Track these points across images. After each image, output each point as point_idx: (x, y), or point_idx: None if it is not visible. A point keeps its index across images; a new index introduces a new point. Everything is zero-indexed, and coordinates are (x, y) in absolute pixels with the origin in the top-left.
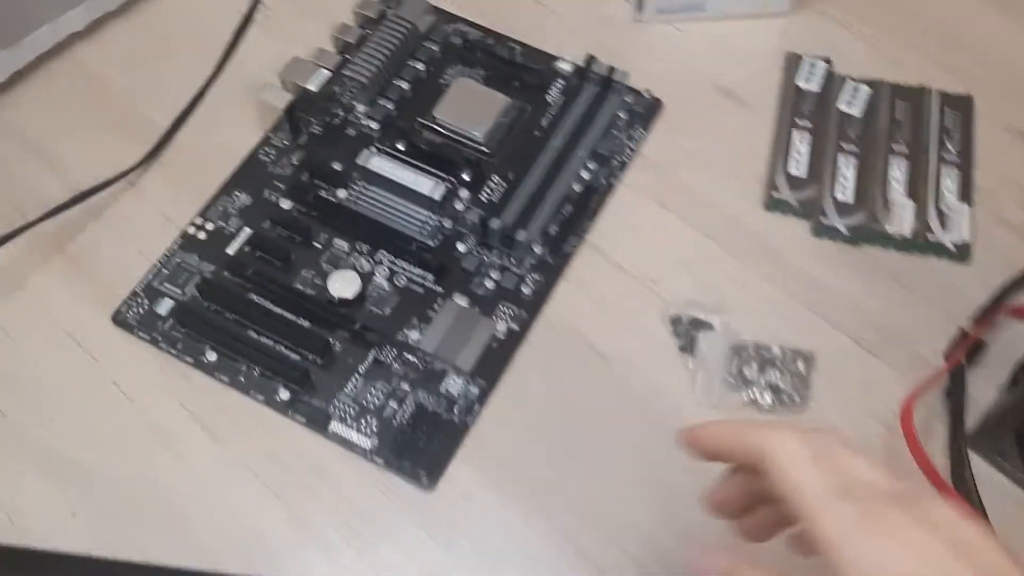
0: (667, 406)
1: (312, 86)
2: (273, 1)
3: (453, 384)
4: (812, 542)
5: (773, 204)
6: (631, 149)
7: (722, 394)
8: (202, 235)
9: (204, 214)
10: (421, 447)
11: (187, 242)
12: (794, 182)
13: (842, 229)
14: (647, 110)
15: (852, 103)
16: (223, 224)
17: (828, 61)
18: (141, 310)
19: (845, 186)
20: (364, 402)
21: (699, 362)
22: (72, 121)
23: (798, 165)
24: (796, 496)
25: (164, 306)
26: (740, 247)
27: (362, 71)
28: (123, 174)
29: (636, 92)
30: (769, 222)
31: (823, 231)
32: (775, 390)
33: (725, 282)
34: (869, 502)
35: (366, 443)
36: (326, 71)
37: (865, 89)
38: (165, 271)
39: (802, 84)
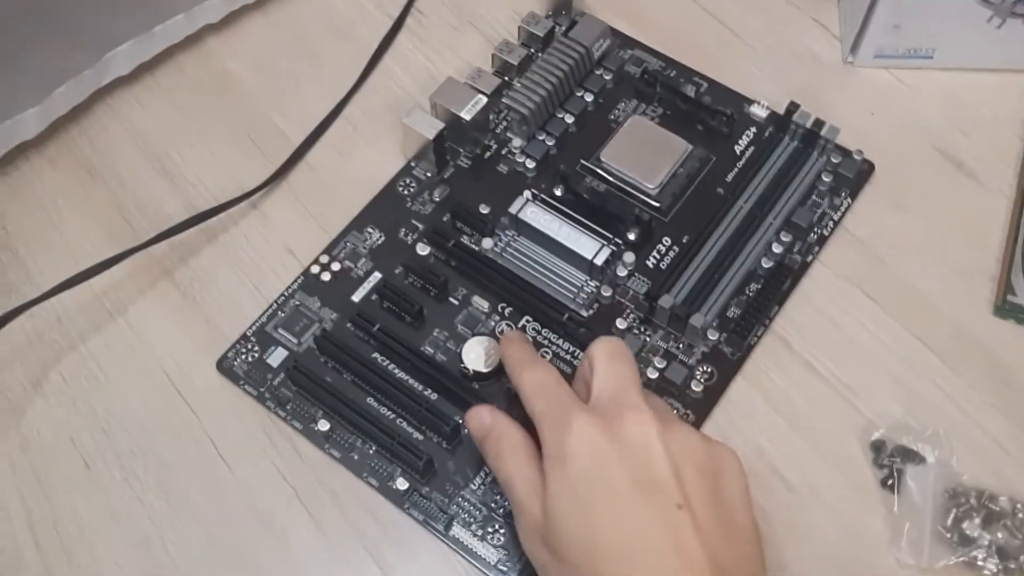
0: (859, 557)
1: (466, 114)
2: (428, 6)
3: None
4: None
5: (1007, 310)
6: (834, 221)
7: (933, 551)
8: (326, 275)
9: (331, 251)
10: None
11: (309, 282)
12: None
13: None
14: (856, 175)
15: None
16: (351, 265)
17: None
18: (250, 358)
19: None
20: (493, 504)
21: (905, 505)
22: (196, 125)
23: None
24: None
25: (276, 357)
26: (963, 360)
27: (524, 100)
28: (247, 195)
29: (844, 151)
30: (1001, 332)
31: None
32: (1003, 555)
33: (942, 403)
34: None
35: (492, 556)
36: (483, 96)
37: None
38: (281, 314)
39: None
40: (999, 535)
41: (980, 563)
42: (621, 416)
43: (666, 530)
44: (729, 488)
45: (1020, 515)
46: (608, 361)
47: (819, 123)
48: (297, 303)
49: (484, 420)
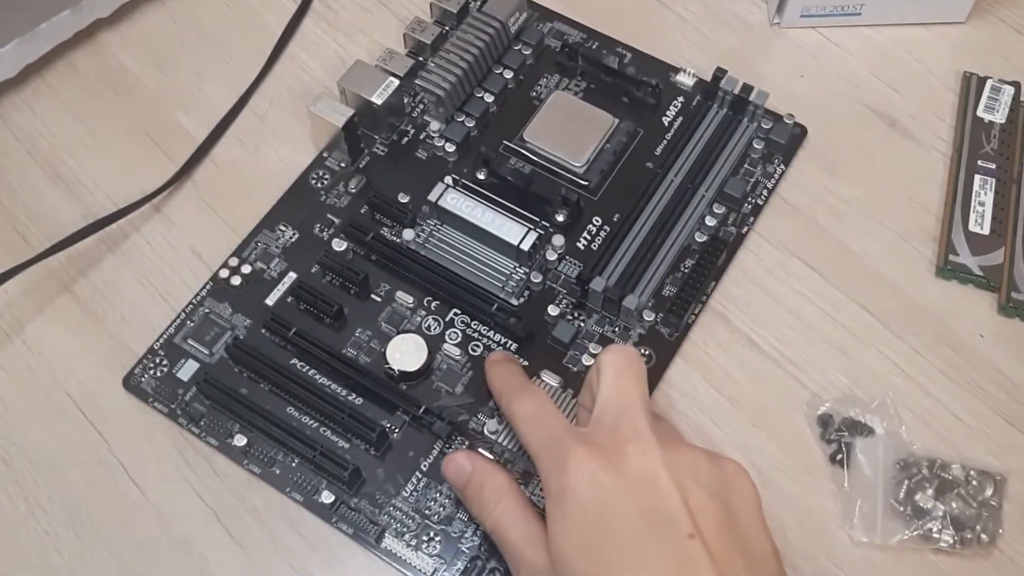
0: (811, 536)
1: (377, 99)
2: None
3: (540, 494)
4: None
5: (949, 271)
6: (768, 189)
7: (886, 526)
8: (237, 279)
9: (241, 253)
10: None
11: (218, 287)
12: (976, 242)
13: None
14: (788, 140)
15: None
16: (263, 266)
17: (1016, 85)
18: (159, 373)
19: None
20: (427, 512)
21: (856, 480)
22: (91, 127)
23: (980, 220)
24: (527, 444)
25: (187, 370)
26: (906, 325)
27: (439, 80)
28: (148, 197)
29: (775, 116)
30: (944, 293)
31: (1013, 309)
32: (958, 525)
33: (888, 371)
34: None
35: (428, 566)
36: (395, 79)
37: None
38: (190, 323)
39: (983, 114)
40: (953, 505)
41: (936, 535)
42: (623, 448)
43: (679, 562)
44: (742, 508)
45: (974, 483)
46: (615, 377)
47: (747, 88)
48: (207, 311)
49: (463, 467)
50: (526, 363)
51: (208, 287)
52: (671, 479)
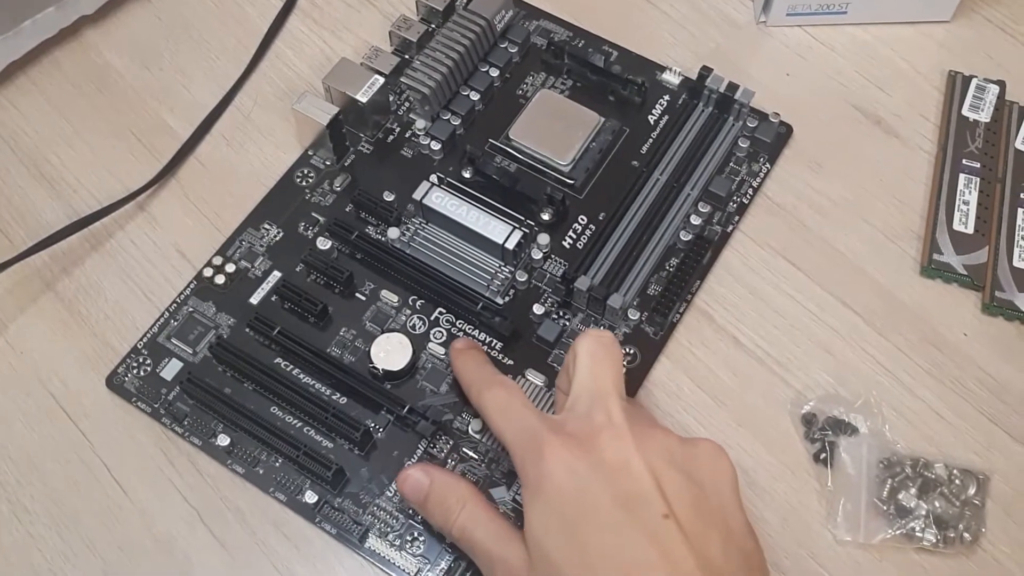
0: (795, 536)
1: (362, 97)
2: None
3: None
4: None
5: (933, 270)
6: (753, 188)
7: (870, 525)
8: (220, 278)
9: (225, 251)
10: None
11: (202, 286)
12: (960, 241)
13: (1022, 306)
14: (774, 138)
15: None
16: (247, 265)
17: (1001, 84)
18: (142, 373)
19: None
20: (411, 511)
21: (839, 479)
22: (75, 125)
23: (964, 219)
24: (501, 436)
25: (170, 369)
26: (890, 324)
27: (424, 78)
28: (132, 196)
29: (761, 115)
30: (928, 292)
31: (997, 308)
32: (940, 524)
33: (872, 370)
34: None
35: (412, 566)
36: (380, 77)
37: None
38: (174, 323)
39: (968, 113)
40: (936, 504)
41: (919, 534)
42: (596, 435)
43: (654, 543)
44: (717, 488)
45: (957, 481)
46: (590, 361)
47: (733, 87)
48: (190, 310)
49: (420, 481)
50: (511, 362)
51: (192, 286)
52: (643, 463)
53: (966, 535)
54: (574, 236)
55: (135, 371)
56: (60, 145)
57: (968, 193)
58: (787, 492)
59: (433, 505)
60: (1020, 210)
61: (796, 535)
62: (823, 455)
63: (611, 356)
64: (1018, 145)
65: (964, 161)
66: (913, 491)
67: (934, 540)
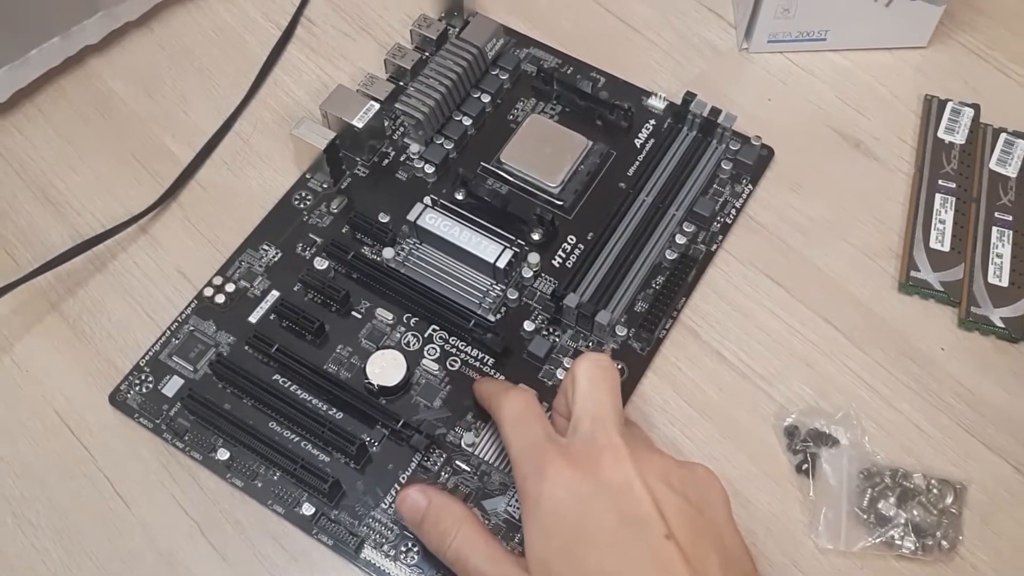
0: (778, 546)
1: (358, 122)
2: (317, 14)
3: (516, 505)
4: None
5: (911, 286)
6: (736, 208)
7: (850, 534)
8: (221, 298)
9: (224, 272)
10: None
11: (203, 306)
12: (936, 259)
13: (997, 321)
14: (756, 161)
15: (1005, 160)
16: (247, 284)
17: (975, 107)
18: (144, 390)
19: (1000, 266)
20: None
21: (821, 488)
22: (80, 151)
23: (941, 238)
24: (508, 446)
25: (172, 386)
26: (870, 339)
27: (418, 104)
28: (135, 219)
29: (743, 138)
30: (906, 308)
31: (973, 323)
32: (919, 532)
33: (852, 384)
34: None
35: None
36: (375, 103)
37: (1022, 144)
38: (175, 341)
39: (944, 135)
40: (915, 512)
41: (898, 542)
42: (598, 457)
43: (655, 563)
44: (714, 511)
45: (935, 491)
46: (589, 386)
47: (715, 111)
48: (191, 328)
49: (418, 502)
50: (502, 377)
51: (193, 305)
52: (644, 485)
53: (944, 543)
54: (563, 255)
55: (137, 388)
56: (65, 170)
57: (944, 212)
58: (770, 502)
59: (430, 526)
60: (995, 228)
61: (779, 544)
62: (805, 466)
63: (610, 379)
64: (992, 166)
65: (940, 182)
66: (892, 500)
67: (913, 548)
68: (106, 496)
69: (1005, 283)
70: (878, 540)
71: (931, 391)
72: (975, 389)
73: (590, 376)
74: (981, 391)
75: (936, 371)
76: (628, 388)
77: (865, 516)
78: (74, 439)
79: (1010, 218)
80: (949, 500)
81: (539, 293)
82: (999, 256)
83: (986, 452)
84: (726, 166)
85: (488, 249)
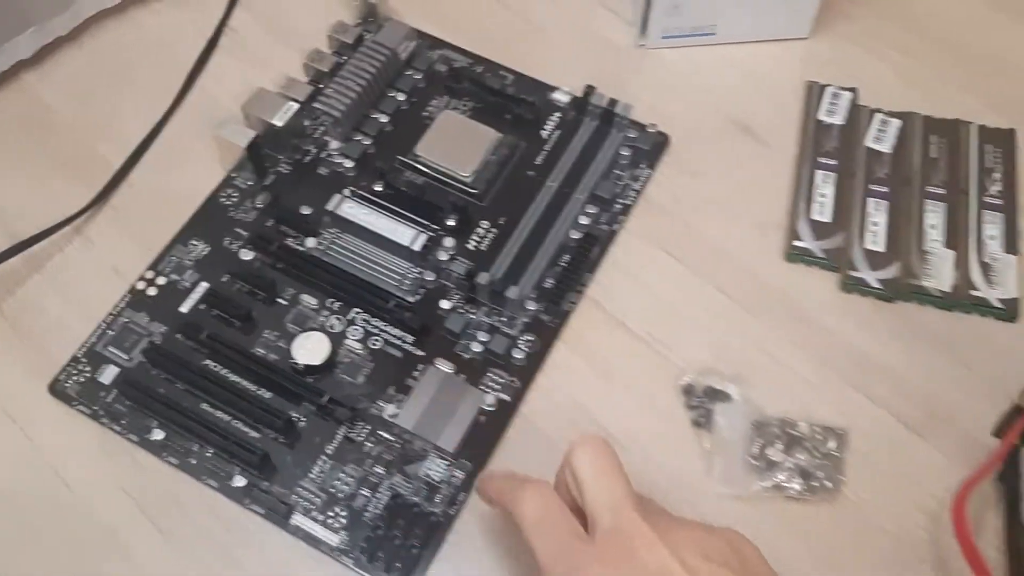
0: (680, 494)
1: (278, 121)
2: (241, 23)
3: (435, 468)
4: None
5: (795, 254)
6: (635, 191)
7: (743, 479)
8: (152, 291)
9: (156, 267)
10: (397, 544)
11: (136, 299)
12: (818, 229)
13: (874, 283)
14: (652, 146)
15: (881, 138)
16: (177, 278)
17: (853, 91)
18: (82, 379)
19: (876, 233)
20: (332, 489)
21: (716, 440)
22: (15, 158)
23: (822, 209)
24: (533, 551)
25: (108, 374)
26: (759, 304)
27: (336, 103)
28: (69, 220)
29: (640, 126)
30: (791, 275)
31: (852, 285)
32: (805, 475)
33: (743, 345)
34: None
35: (333, 539)
36: (295, 103)
37: (895, 123)
38: (110, 333)
39: (824, 117)
40: (800, 457)
41: (786, 484)
42: (630, 548)
43: None
44: (755, 570)
45: (818, 436)
46: (595, 476)
47: (613, 102)
48: (126, 320)
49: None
50: (423, 353)
51: (126, 298)
52: (683, 566)
53: (827, 483)
54: (478, 239)
55: (75, 378)
56: (1, 180)
57: (825, 187)
58: (673, 454)
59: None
60: (871, 199)
61: (682, 491)
62: (701, 420)
63: (612, 462)
64: (869, 143)
65: (821, 159)
66: (780, 447)
67: (800, 489)
68: (48, 482)
69: (882, 248)
70: (769, 484)
71: (816, 348)
72: (856, 345)
73: (591, 463)
74: (862, 347)
75: (820, 330)
76: (539, 359)
77: (756, 463)
78: (16, 428)
79: (886, 190)
80: (832, 445)
81: (455, 274)
82: (875, 224)
83: (866, 402)
84: (625, 152)
85: (404, 234)
